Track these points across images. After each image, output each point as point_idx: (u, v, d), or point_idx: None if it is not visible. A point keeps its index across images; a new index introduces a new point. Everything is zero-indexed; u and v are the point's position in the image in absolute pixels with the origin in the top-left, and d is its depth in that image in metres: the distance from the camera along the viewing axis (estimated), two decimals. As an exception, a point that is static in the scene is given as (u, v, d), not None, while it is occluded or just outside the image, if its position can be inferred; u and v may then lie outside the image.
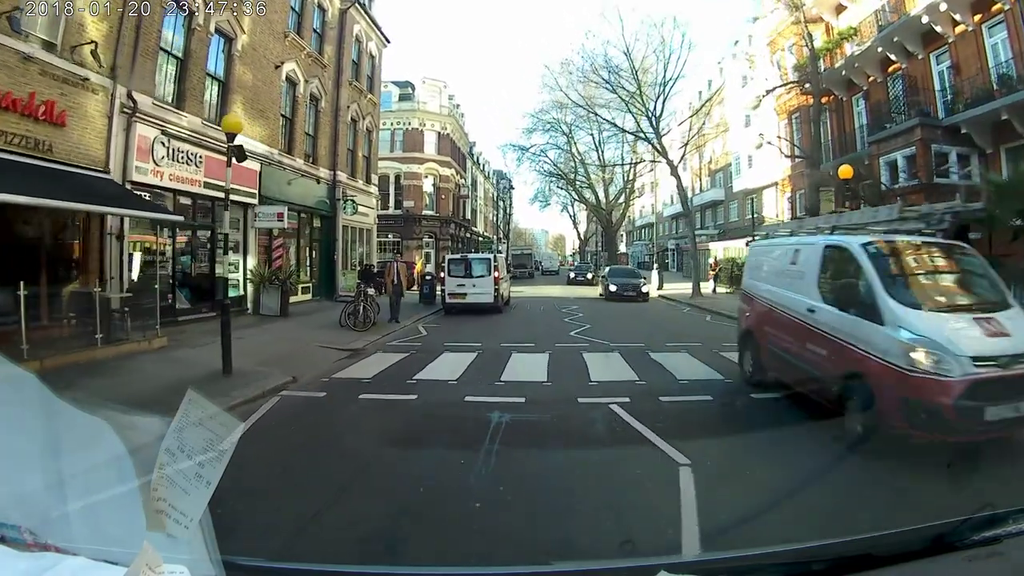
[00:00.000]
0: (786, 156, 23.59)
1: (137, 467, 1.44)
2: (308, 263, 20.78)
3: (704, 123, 33.03)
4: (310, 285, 20.39)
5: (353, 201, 21.70)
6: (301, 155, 20.07)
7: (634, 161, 41.69)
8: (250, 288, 16.97)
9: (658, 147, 27.04)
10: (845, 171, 12.89)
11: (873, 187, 18.69)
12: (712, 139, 41.89)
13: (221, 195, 15.57)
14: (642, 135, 28.35)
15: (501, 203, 71.02)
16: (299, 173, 19.71)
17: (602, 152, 46.42)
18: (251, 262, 17.03)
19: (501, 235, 69.54)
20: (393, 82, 44.37)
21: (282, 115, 19.14)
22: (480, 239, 57.56)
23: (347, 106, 23.07)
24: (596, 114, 29.76)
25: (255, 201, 17.10)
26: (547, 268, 68.86)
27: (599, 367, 9.39)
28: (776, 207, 31.41)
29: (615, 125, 30.60)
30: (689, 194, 51.20)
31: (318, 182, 20.83)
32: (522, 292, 28.16)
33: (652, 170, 54.03)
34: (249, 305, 17.01)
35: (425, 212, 42.15)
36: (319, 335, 12.62)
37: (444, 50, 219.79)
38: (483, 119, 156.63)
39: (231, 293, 16.81)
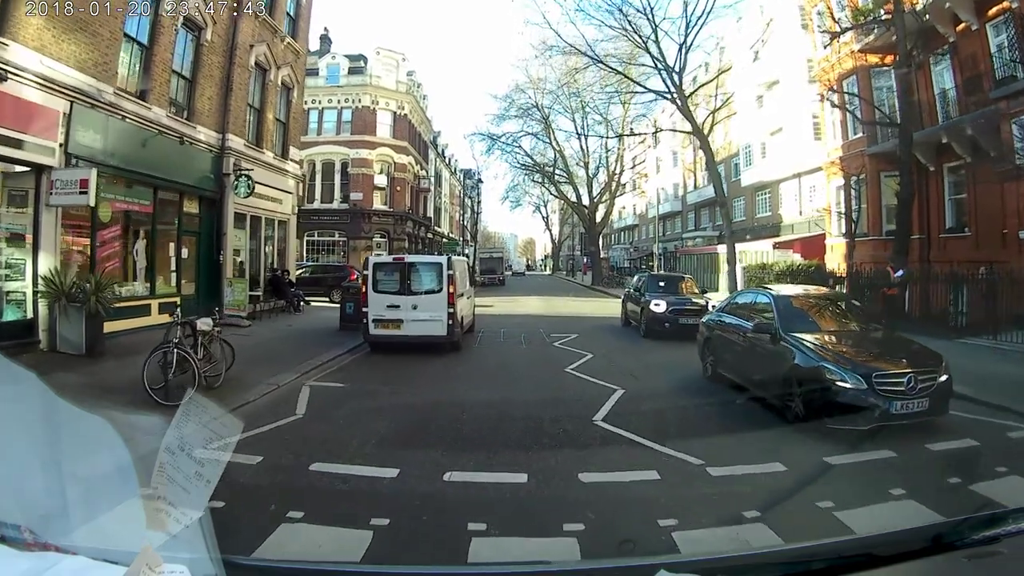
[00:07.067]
0: (865, 123, 17.55)
1: (137, 466, 1.41)
2: (175, 267, 14.00)
3: (730, 97, 26.74)
4: (176, 300, 13.60)
5: (249, 178, 14.90)
6: (163, 103, 13.33)
7: (653, 131, 35.15)
8: (43, 307, 10.22)
9: (678, 104, 20.53)
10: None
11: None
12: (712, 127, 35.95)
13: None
14: (665, 94, 21.71)
15: (469, 201, 64.41)
16: (157, 130, 12.98)
17: (585, 140, 40.34)
18: (46, 264, 10.26)
19: (468, 237, 62.88)
20: (344, 55, 37.77)
21: (127, 36, 12.43)
22: (444, 240, 50.91)
23: (250, 46, 16.36)
24: (599, 60, 23.19)
25: (54, 162, 10.38)
26: (517, 271, 75.18)
27: None
28: (814, 200, 25.52)
29: (626, 76, 23.97)
30: (681, 191, 45.61)
31: (182, 143, 13.84)
32: (491, 306, 21.65)
33: (641, 163, 48.14)
34: (42, 335, 10.27)
35: (377, 207, 35.43)
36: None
37: (406, 29, 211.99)
38: (449, 110, 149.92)
39: (8, 316, 10.14)
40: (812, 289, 10.10)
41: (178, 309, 8.85)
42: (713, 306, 12.00)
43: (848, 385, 6.00)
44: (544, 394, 8.03)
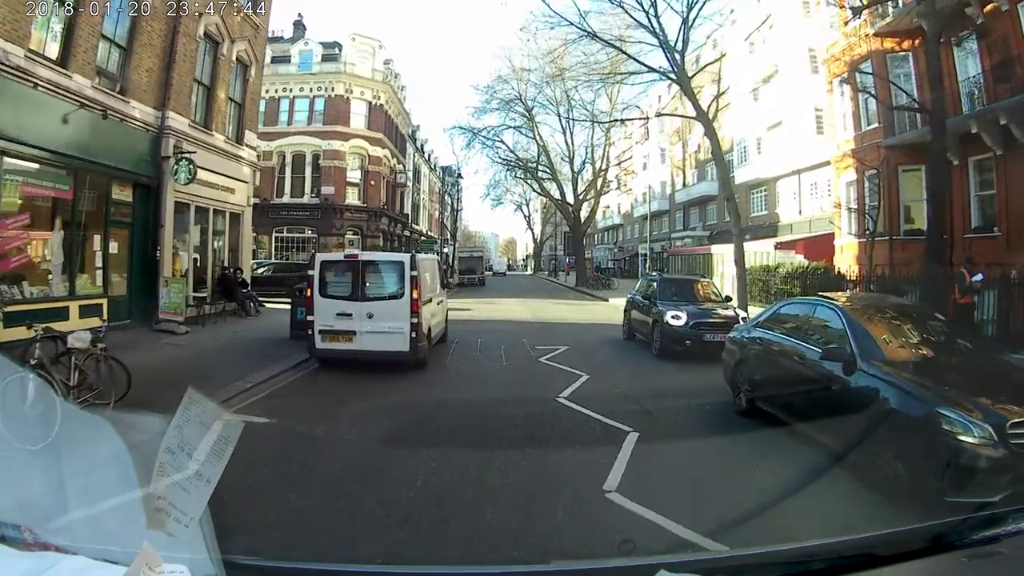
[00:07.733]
0: (893, 108, 15.82)
1: (137, 466, 1.37)
2: (101, 263, 12.01)
3: (728, 88, 25.00)
4: (102, 303, 11.60)
5: (190, 162, 12.88)
6: (89, 72, 11.32)
7: (645, 117, 33.47)
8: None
9: (681, 85, 18.61)
10: None
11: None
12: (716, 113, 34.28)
13: None
14: (670, 73, 19.67)
15: (449, 198, 62.45)
16: (79, 102, 11.00)
17: (571, 134, 38.63)
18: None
19: (448, 235, 60.92)
20: (317, 41, 35.73)
21: (45, -7, 10.47)
22: (422, 238, 48.97)
23: (199, 13, 14.36)
24: (593, 34, 21.20)
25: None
26: (497, 271, 73.38)
27: None
28: (816, 197, 24.08)
29: (621, 51, 21.99)
30: (669, 190, 44.15)
31: (106, 117, 11.62)
32: (469, 310, 19.85)
33: (628, 160, 46.59)
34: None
35: (350, 202, 33.41)
36: None
37: (385, 21, 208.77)
38: (429, 105, 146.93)
39: None
40: (880, 298, 8.33)
41: (36, 322, 6.62)
42: (744, 318, 10.22)
43: (973, 440, 4.14)
44: (532, 441, 5.99)
